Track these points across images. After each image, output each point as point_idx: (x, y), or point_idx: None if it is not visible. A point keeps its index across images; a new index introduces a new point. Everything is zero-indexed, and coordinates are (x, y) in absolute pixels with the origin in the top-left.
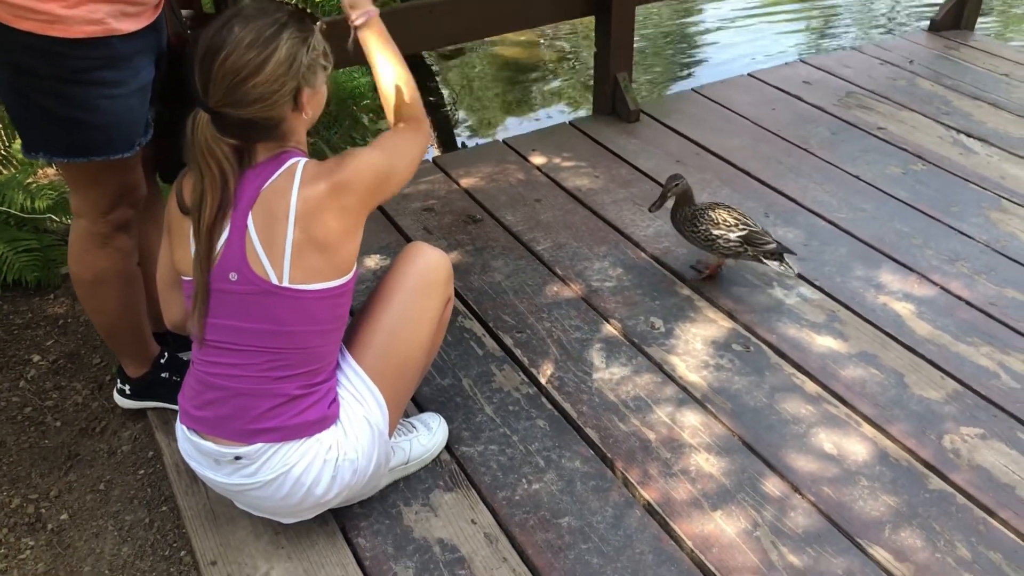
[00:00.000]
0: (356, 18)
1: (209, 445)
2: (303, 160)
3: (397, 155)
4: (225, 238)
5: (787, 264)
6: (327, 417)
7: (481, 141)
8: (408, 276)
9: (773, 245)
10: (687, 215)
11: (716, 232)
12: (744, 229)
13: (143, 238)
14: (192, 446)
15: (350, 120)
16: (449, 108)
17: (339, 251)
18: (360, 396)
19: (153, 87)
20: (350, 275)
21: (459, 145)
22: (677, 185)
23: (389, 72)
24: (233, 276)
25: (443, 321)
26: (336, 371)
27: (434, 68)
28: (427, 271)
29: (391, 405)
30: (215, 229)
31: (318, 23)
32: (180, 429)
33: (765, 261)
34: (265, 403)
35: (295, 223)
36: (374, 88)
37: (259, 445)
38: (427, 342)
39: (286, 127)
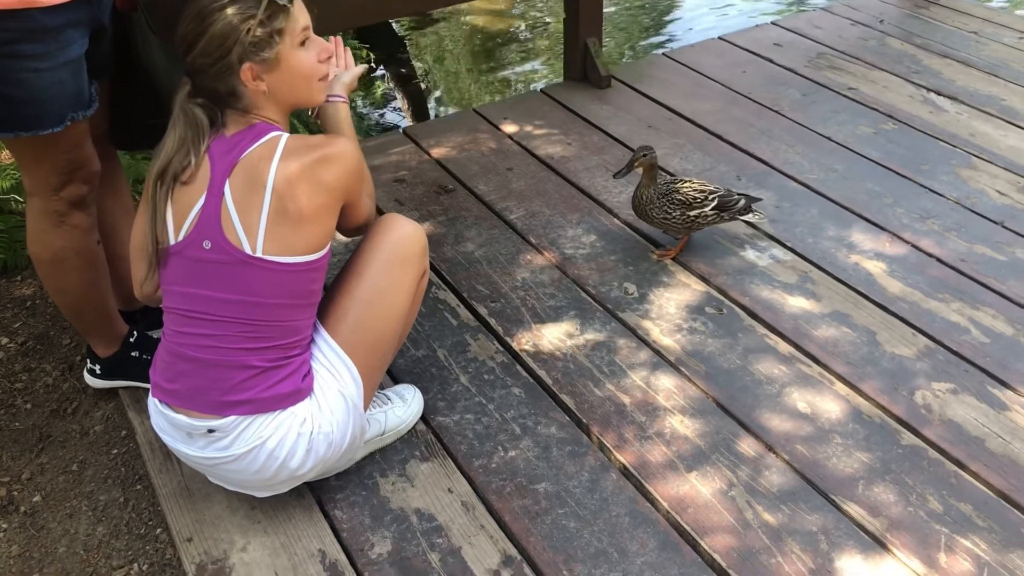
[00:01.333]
0: (330, 98)
1: (181, 418)
2: (286, 135)
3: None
4: (200, 205)
5: (758, 212)
6: (301, 390)
7: (453, 111)
8: (382, 248)
9: (741, 201)
10: (651, 199)
11: (693, 213)
12: (714, 197)
13: (104, 215)
14: (164, 420)
15: None
16: (420, 79)
17: (313, 226)
18: (334, 370)
19: (93, 59)
20: (323, 252)
21: (431, 115)
22: (645, 156)
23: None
24: (207, 244)
25: (418, 294)
26: (310, 345)
27: (405, 38)
28: (402, 243)
29: (366, 379)
30: (184, 193)
31: (267, 1)
32: (152, 403)
33: (739, 218)
34: (238, 375)
35: (272, 193)
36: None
37: (232, 418)
38: (402, 315)
39: (246, 101)
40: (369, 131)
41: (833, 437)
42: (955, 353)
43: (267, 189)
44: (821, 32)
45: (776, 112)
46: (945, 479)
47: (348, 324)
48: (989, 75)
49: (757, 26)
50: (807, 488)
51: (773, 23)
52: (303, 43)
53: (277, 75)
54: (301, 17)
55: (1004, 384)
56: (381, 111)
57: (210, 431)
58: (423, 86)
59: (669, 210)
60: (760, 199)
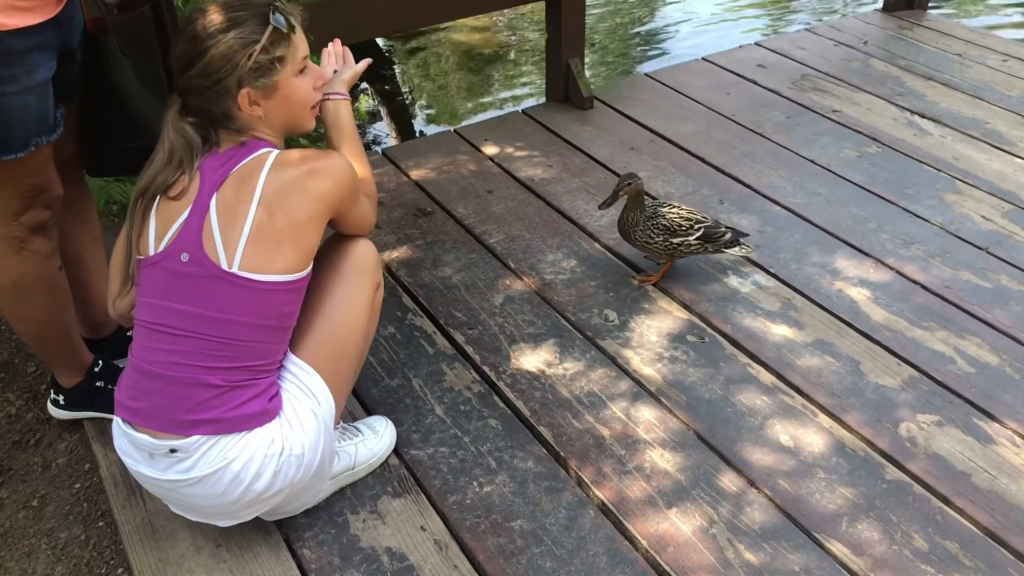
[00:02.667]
0: (331, 95)
1: (144, 438)
2: (276, 150)
3: (362, 199)
4: (184, 218)
5: (745, 246)
6: (268, 411)
7: (438, 129)
8: (337, 264)
9: (728, 234)
10: (636, 221)
11: (676, 240)
12: (700, 228)
13: (69, 241)
14: (127, 440)
15: None
16: (405, 96)
17: (296, 242)
18: (305, 388)
19: (61, 82)
20: (302, 273)
21: (416, 133)
22: (630, 184)
23: (352, 149)
24: (185, 256)
25: (375, 306)
26: (279, 368)
27: (391, 55)
28: (355, 256)
29: (335, 395)
30: (171, 206)
31: (271, 27)
32: (115, 423)
33: (725, 251)
34: (201, 393)
35: (259, 204)
36: None
37: (196, 438)
38: (363, 326)
39: (241, 122)
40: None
41: (816, 471)
42: (940, 383)
43: (253, 201)
44: (805, 53)
45: (759, 135)
46: (930, 516)
47: (312, 339)
48: (973, 98)
49: (741, 47)
50: (789, 526)
51: (757, 43)
52: (302, 71)
53: (273, 101)
54: (302, 46)
55: (990, 416)
56: (367, 127)
57: (172, 451)
58: (407, 104)
59: (652, 234)
60: (748, 234)
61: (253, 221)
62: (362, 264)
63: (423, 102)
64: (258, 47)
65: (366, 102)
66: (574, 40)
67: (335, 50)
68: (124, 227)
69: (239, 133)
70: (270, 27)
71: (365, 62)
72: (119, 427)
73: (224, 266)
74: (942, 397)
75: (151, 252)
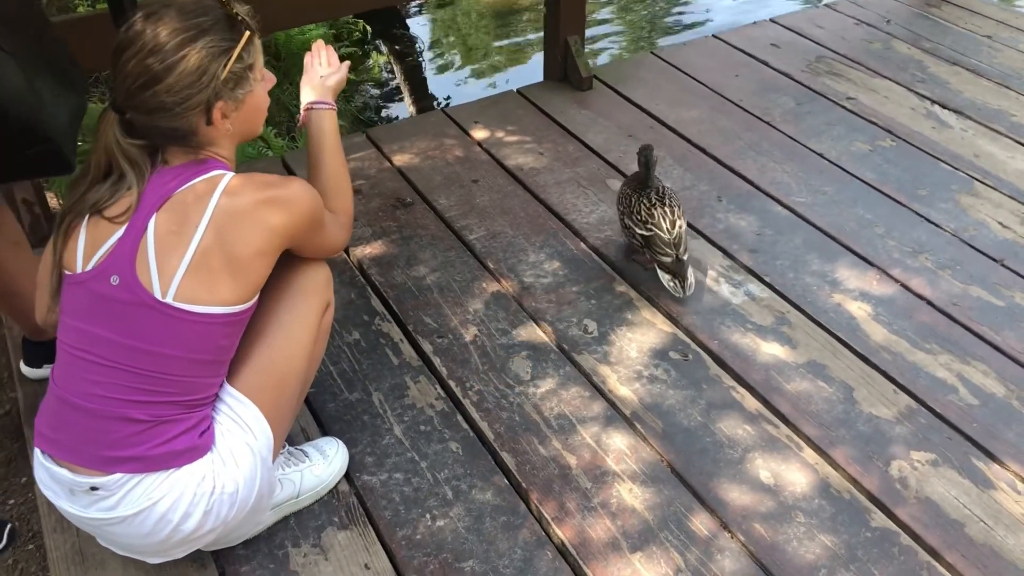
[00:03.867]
0: (315, 105)
1: (63, 473)
2: (231, 173)
3: (328, 225)
4: (117, 237)
5: (676, 285)
6: (198, 447)
7: (481, 87)
8: (281, 283)
9: (669, 259)
10: (627, 194)
11: (628, 221)
12: (651, 231)
13: None
14: (46, 473)
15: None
16: (420, 56)
17: (244, 274)
18: (240, 420)
19: None
20: (246, 305)
21: (430, 90)
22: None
23: (332, 163)
24: (115, 280)
25: (323, 329)
26: (213, 401)
27: (415, 14)
28: (303, 276)
29: (274, 427)
30: (103, 224)
31: (248, 32)
32: (35, 453)
33: (659, 270)
34: (125, 428)
35: (206, 230)
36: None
37: (118, 475)
38: (307, 353)
39: (202, 137)
40: (368, 113)
41: (796, 515)
42: (939, 416)
43: (200, 227)
44: (822, 32)
45: (767, 123)
46: (916, 572)
47: (250, 367)
48: (1000, 86)
49: (755, 23)
50: None
51: (772, 20)
52: (261, 75)
53: (242, 112)
54: (260, 47)
55: (990, 456)
56: (380, 89)
57: (93, 488)
58: (422, 63)
59: (621, 204)
60: (687, 280)
61: (197, 249)
62: (310, 285)
63: (441, 60)
64: (233, 55)
65: (380, 60)
66: (574, 16)
67: (320, 53)
68: (52, 238)
69: (197, 149)
70: (246, 33)
71: (347, 64)
72: (39, 458)
73: (158, 295)
74: (940, 432)
75: (78, 269)
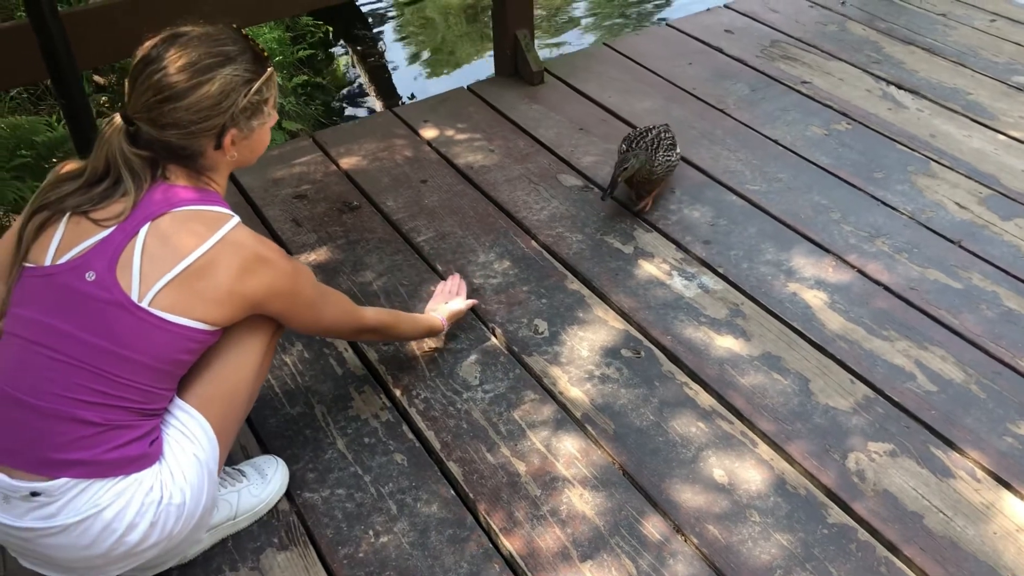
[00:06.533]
0: (436, 313)
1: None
2: (236, 220)
3: (328, 303)
4: (102, 237)
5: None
6: (148, 455)
7: (445, 85)
8: None
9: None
10: (652, 163)
11: (679, 148)
12: (668, 128)
13: None
14: None
15: None
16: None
17: (220, 306)
18: (188, 431)
19: None
20: (214, 329)
21: (398, 92)
22: (626, 170)
23: (405, 330)
24: (91, 276)
25: (273, 346)
26: (163, 413)
27: (386, 12)
28: None
29: (221, 439)
30: (84, 224)
31: (270, 69)
32: None
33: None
34: (74, 430)
35: (198, 259)
36: None
37: (63, 480)
38: (256, 367)
39: (205, 161)
40: (332, 115)
41: (751, 514)
42: (896, 405)
43: (192, 255)
44: (777, 17)
45: (720, 111)
46: (874, 567)
47: (200, 379)
48: (956, 64)
49: (708, 10)
50: None
51: (726, 6)
52: (272, 112)
53: (246, 144)
54: (276, 85)
55: (949, 444)
56: (344, 91)
57: (33, 494)
58: (387, 63)
59: (669, 157)
60: (609, 191)
61: (186, 269)
62: None
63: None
64: (255, 86)
65: (344, 61)
66: (522, 10)
67: (453, 284)
68: (17, 229)
69: (198, 172)
70: (269, 69)
71: (471, 302)
72: None
73: (134, 298)
74: (898, 421)
75: (46, 262)
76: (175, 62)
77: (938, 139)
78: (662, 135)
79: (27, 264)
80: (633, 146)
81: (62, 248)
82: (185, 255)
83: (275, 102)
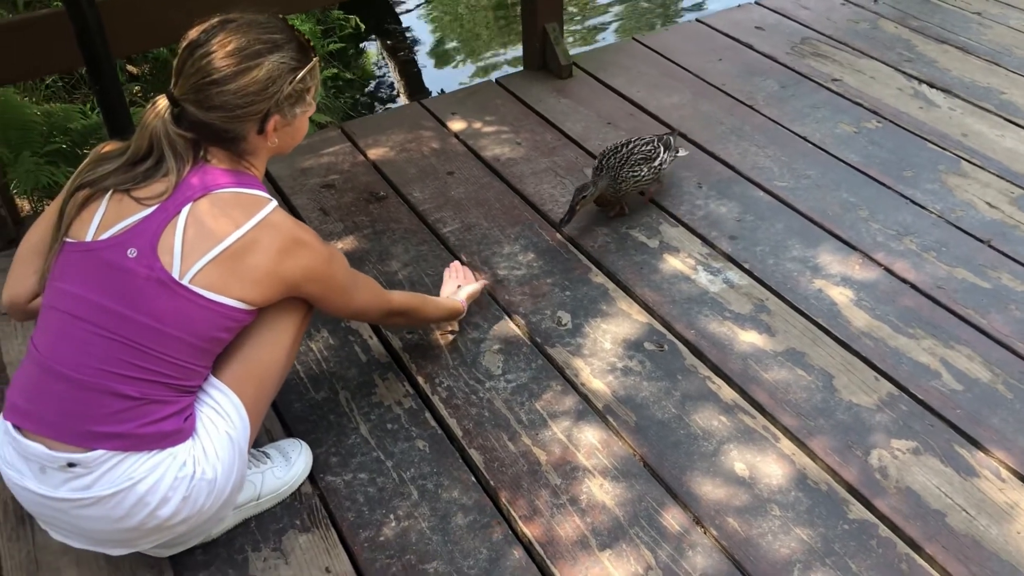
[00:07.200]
0: (455, 297)
1: (37, 447)
2: (275, 203)
3: (359, 287)
4: (144, 215)
5: (678, 145)
6: (182, 431)
7: (461, 72)
8: None
9: (668, 136)
10: (617, 180)
11: (656, 161)
12: (659, 143)
13: None
14: (14, 449)
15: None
16: (413, 50)
17: (258, 287)
18: (221, 409)
19: None
20: (252, 308)
21: (424, 82)
22: (585, 197)
23: (431, 312)
24: (132, 252)
25: (305, 325)
26: (197, 391)
27: (415, 6)
28: None
29: (252, 418)
30: (126, 202)
31: (315, 58)
32: (2, 428)
33: (677, 155)
34: (114, 404)
35: (238, 240)
36: None
37: (100, 452)
38: (289, 349)
39: (246, 145)
40: (360, 108)
41: (771, 508)
42: (921, 403)
43: (231, 236)
44: (808, 13)
45: (749, 107)
46: (895, 564)
47: (234, 358)
48: (990, 63)
49: (740, 6)
50: (735, 573)
51: (757, 2)
52: (313, 101)
53: (286, 131)
54: (319, 76)
55: (974, 443)
56: (372, 82)
57: (70, 465)
58: (415, 56)
59: (637, 170)
60: (672, 129)
61: (226, 249)
62: None
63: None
64: (300, 74)
65: (373, 57)
66: (552, 3)
67: (457, 271)
68: (59, 203)
69: (238, 156)
70: (314, 59)
71: (483, 282)
72: (7, 433)
73: (175, 275)
74: (922, 419)
75: (87, 238)
76: (225, 46)
77: (970, 138)
78: (635, 149)
79: (68, 239)
80: (602, 163)
81: (104, 225)
82: (226, 236)
83: (316, 92)
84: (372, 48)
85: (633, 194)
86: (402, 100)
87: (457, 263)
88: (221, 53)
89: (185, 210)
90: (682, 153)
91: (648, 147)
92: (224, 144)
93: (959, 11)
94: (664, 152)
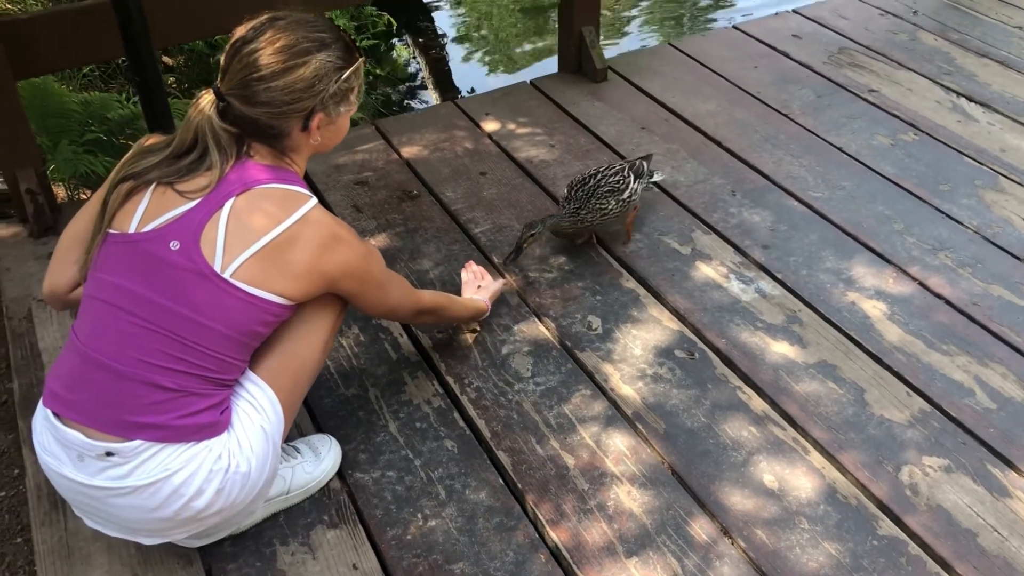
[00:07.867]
0: (477, 297)
1: (75, 435)
2: (315, 200)
3: (393, 285)
4: (188, 208)
5: (654, 170)
6: (218, 423)
7: (504, 81)
8: None
9: (639, 163)
10: (570, 216)
11: (625, 194)
12: (628, 171)
13: None
14: (53, 436)
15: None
16: (444, 48)
17: (298, 282)
18: (257, 403)
19: None
20: (291, 304)
21: (455, 82)
22: (533, 235)
23: (457, 312)
24: (175, 245)
25: (339, 322)
26: (234, 384)
27: (448, 5)
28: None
29: (286, 412)
30: (169, 195)
31: (361, 59)
32: (41, 415)
33: (651, 184)
34: (152, 395)
35: (278, 236)
36: None
37: (138, 442)
38: (324, 344)
39: (289, 142)
40: (391, 105)
41: (800, 521)
42: (954, 420)
43: (272, 232)
44: (846, 23)
45: (785, 116)
46: None
47: (270, 353)
48: None
49: (777, 14)
50: None
51: (795, 11)
52: (356, 101)
53: (329, 130)
54: (363, 76)
55: (1007, 463)
56: (404, 83)
57: (108, 454)
58: (447, 55)
59: (604, 203)
60: (651, 153)
61: (267, 244)
62: None
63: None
64: (345, 74)
65: (404, 54)
66: (589, 6)
67: (474, 270)
68: (103, 194)
69: (281, 153)
70: (360, 59)
71: (502, 280)
72: (46, 420)
73: (217, 268)
74: (954, 437)
75: (130, 230)
76: (273, 43)
77: (1008, 154)
78: (603, 181)
79: (111, 231)
80: (571, 194)
81: (147, 217)
82: (267, 231)
83: (360, 92)
84: (403, 45)
85: (602, 226)
86: (432, 97)
87: (472, 263)
88: (269, 50)
89: (228, 204)
90: (658, 178)
91: (616, 178)
92: (268, 140)
93: (1000, 24)
94: (634, 182)
